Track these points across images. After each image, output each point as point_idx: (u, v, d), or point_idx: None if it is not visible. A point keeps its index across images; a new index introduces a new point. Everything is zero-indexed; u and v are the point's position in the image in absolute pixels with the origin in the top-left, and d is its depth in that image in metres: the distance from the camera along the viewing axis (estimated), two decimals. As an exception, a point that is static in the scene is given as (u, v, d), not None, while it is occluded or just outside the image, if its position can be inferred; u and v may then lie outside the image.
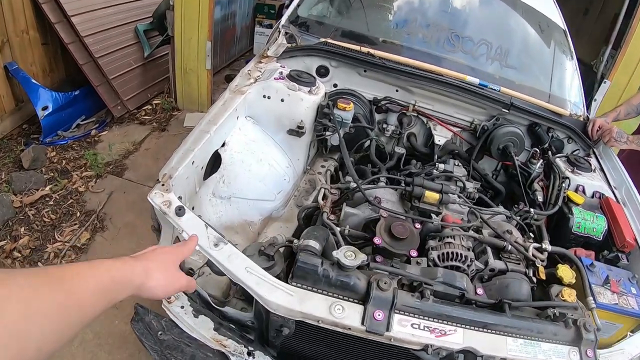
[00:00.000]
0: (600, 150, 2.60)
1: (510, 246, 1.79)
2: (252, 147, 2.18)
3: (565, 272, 1.80)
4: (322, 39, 2.52)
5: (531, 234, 1.93)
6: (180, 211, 1.52)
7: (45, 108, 3.84)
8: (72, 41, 3.90)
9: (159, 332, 1.55)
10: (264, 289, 1.44)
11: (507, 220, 2.01)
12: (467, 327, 1.47)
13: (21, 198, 3.28)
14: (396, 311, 1.45)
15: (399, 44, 2.64)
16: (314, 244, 1.59)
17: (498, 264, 1.75)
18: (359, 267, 1.55)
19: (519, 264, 1.79)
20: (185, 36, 4.45)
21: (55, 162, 3.73)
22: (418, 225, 1.78)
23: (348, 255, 1.48)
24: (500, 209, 2.04)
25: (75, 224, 3.15)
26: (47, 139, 3.93)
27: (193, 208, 1.89)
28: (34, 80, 3.82)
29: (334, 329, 1.43)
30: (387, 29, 2.81)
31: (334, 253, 1.48)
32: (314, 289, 1.47)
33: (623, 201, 2.25)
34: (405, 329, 1.42)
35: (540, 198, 2.17)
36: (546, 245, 1.85)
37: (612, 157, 2.52)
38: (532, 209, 2.02)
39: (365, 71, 2.50)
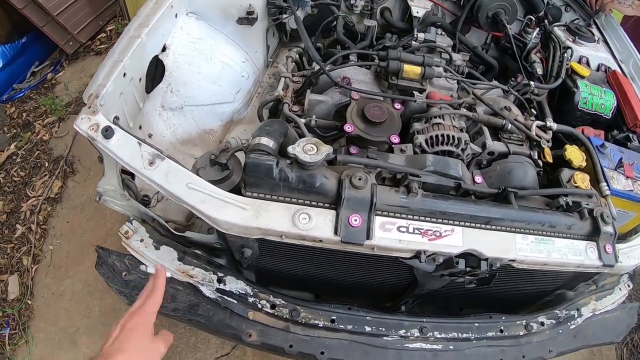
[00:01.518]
0: (602, 21, 2.17)
1: (510, 125, 1.40)
2: (198, 46, 1.74)
3: (574, 153, 1.44)
4: None
5: (533, 111, 1.54)
6: (107, 132, 1.08)
7: (-6, 65, 3.29)
8: (4, -15, 3.21)
9: (124, 273, 1.26)
10: (211, 206, 1.04)
11: (503, 96, 1.60)
12: (467, 224, 1.11)
13: (-12, 164, 2.90)
14: (377, 213, 1.08)
15: None
16: (267, 142, 1.15)
17: (498, 146, 1.36)
18: (329, 164, 1.14)
19: (522, 145, 1.41)
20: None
21: (15, 117, 3.29)
22: (398, 106, 1.35)
23: (308, 150, 1.05)
24: (495, 83, 1.62)
25: (45, 175, 2.84)
26: (4, 97, 3.47)
27: (140, 127, 1.52)
28: (-25, 40, 3.19)
29: (301, 243, 1.07)
30: None
31: (290, 148, 1.05)
32: (272, 198, 1.08)
33: (631, 76, 1.86)
34: (390, 235, 1.05)
35: (539, 70, 1.75)
36: (550, 122, 1.47)
37: (616, 27, 2.09)
38: (531, 82, 1.61)
39: None
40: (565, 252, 1.18)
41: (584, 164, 1.44)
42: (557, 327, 1.48)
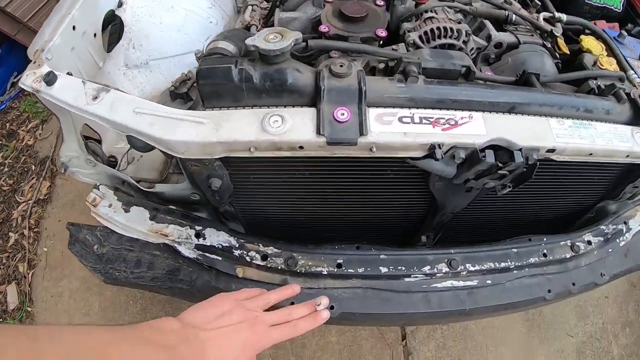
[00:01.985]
0: None
1: (514, 16, 1.17)
2: (157, -5, 1.54)
3: (591, 43, 1.20)
4: None
5: (537, 1, 1.31)
6: (50, 78, 0.86)
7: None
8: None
9: (95, 246, 1.07)
10: (161, 127, 0.79)
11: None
12: (487, 112, 0.88)
13: (-24, 179, 2.76)
14: (370, 104, 0.81)
15: None
16: (225, 45, 0.93)
17: (505, 36, 1.11)
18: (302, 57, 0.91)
19: (532, 35, 1.18)
20: None
21: (-1, 129, 3.18)
22: (380, 2, 1.12)
23: (271, 39, 0.79)
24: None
25: (33, 178, 2.74)
26: (-15, 110, 3.24)
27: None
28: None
29: (277, 155, 0.80)
30: None
31: (249, 40, 0.80)
32: (237, 108, 0.83)
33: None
34: (391, 128, 0.78)
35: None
36: (559, 14, 1.25)
37: None
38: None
39: None
40: (610, 137, 0.94)
41: (604, 53, 1.22)
42: (606, 246, 1.24)
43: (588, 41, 1.20)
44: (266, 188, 0.97)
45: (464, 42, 1.04)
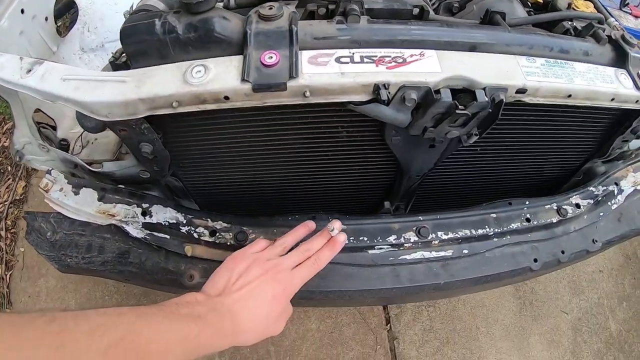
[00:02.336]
0: None
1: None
2: (111, -23, 1.49)
3: None
4: None
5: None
6: None
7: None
8: None
9: (48, 233, 0.98)
10: (85, 90, 0.69)
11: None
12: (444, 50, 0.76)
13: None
14: (305, 49, 0.70)
15: None
16: (154, 2, 0.82)
17: None
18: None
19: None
20: None
21: (-26, 139, 3.11)
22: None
23: None
24: None
25: (9, 179, 2.69)
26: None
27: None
28: None
29: (203, 109, 0.69)
30: None
31: None
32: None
33: None
34: (326, 69, 0.66)
35: None
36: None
37: None
38: None
39: None
40: (591, 77, 0.82)
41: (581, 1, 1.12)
42: (597, 209, 1.12)
43: (563, -12, 1.09)
44: (206, 154, 0.86)
45: (422, -13, 0.93)
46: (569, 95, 0.80)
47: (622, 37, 0.91)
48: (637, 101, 0.88)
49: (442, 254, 0.93)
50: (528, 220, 1.00)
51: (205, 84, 0.65)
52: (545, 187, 1.23)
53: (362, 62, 0.68)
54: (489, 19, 0.84)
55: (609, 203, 1.14)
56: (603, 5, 1.11)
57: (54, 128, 1.18)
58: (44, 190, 0.97)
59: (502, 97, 0.72)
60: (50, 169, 0.99)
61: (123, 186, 0.97)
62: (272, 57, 0.65)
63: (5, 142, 2.93)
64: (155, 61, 0.71)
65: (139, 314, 0.52)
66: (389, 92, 0.67)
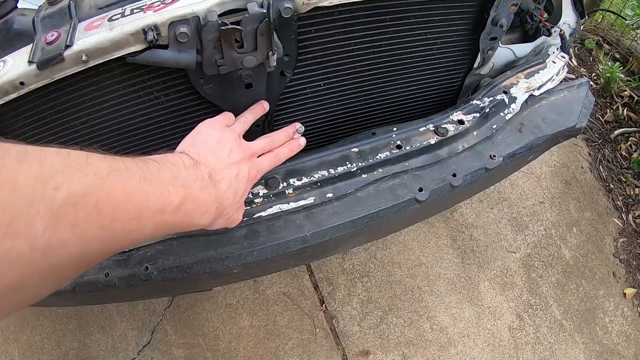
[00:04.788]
0: None
1: None
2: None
3: None
4: None
5: None
6: None
7: None
8: None
9: None
10: None
11: None
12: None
13: None
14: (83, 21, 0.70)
15: None
16: None
17: None
18: None
19: None
20: None
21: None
22: None
23: None
24: None
25: None
26: None
27: None
28: None
29: (6, 99, 0.71)
30: None
31: None
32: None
33: None
34: (98, 30, 0.66)
35: None
36: None
37: None
38: None
39: None
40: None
41: None
42: (487, 123, 1.07)
43: None
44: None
45: None
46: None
47: None
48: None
49: (302, 203, 0.85)
50: (399, 147, 0.93)
51: (3, 75, 0.68)
52: (435, 112, 1.17)
53: (132, 14, 0.67)
54: None
55: (502, 114, 1.09)
56: None
57: None
58: None
59: (288, 5, 0.65)
60: None
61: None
62: (53, 35, 0.67)
63: None
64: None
65: (112, 168, 0.42)
66: (157, 34, 0.64)
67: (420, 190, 0.94)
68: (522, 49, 1.24)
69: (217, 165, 0.63)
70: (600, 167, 2.00)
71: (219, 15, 0.65)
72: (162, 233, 0.50)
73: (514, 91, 1.12)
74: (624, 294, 1.70)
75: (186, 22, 0.64)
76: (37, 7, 0.75)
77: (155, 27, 0.63)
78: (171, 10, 0.64)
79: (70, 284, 0.84)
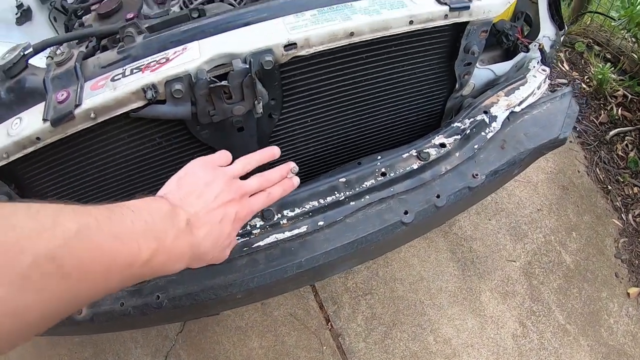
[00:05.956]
0: None
1: None
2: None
3: None
4: None
5: None
6: None
7: None
8: None
9: None
10: None
11: None
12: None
13: None
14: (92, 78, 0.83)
15: None
16: None
17: None
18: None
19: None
20: None
21: None
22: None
23: (6, 56, 0.85)
24: None
25: None
26: None
27: None
28: None
29: (24, 154, 0.83)
30: None
31: None
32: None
33: None
34: (103, 90, 0.77)
35: None
36: None
37: None
38: None
39: None
40: (376, 9, 0.86)
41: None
42: (468, 143, 1.16)
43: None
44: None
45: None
46: (352, 34, 0.84)
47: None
48: (445, 15, 0.92)
49: (295, 232, 0.95)
50: (384, 174, 1.03)
51: (20, 132, 0.79)
52: (421, 136, 1.26)
53: (132, 74, 0.78)
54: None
55: (483, 133, 1.18)
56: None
57: None
58: None
59: (269, 59, 0.76)
60: None
61: None
62: (63, 95, 0.78)
63: None
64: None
65: (81, 224, 0.43)
66: (155, 92, 0.75)
67: (406, 213, 1.03)
68: (502, 67, 1.33)
69: (200, 211, 0.63)
70: (597, 169, 2.08)
71: (208, 71, 0.76)
72: (131, 284, 0.51)
73: (494, 110, 1.21)
74: (628, 293, 1.76)
75: (180, 80, 0.76)
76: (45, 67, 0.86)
77: (153, 86, 0.75)
78: (166, 70, 0.76)
79: (89, 314, 0.94)
